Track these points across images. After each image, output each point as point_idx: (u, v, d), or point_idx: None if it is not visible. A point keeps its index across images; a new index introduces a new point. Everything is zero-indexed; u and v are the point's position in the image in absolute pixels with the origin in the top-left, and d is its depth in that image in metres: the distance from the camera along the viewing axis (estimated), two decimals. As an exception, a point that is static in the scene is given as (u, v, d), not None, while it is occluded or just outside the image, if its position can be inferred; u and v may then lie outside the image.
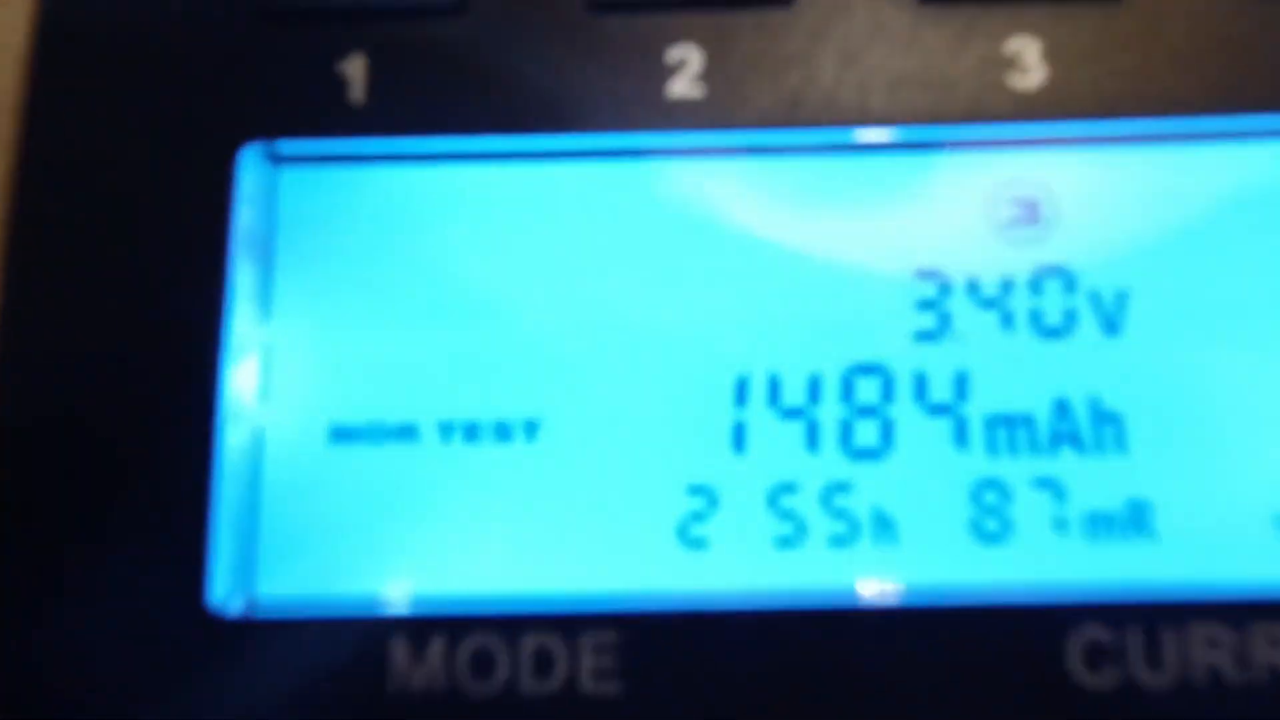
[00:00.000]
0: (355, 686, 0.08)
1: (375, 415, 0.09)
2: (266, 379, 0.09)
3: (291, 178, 0.09)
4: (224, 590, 0.08)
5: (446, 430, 0.09)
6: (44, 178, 0.08)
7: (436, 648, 0.08)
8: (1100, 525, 0.08)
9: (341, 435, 0.09)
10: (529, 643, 0.08)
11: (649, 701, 0.08)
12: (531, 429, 0.09)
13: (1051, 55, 0.09)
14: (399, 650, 0.08)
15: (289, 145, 0.09)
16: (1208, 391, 0.09)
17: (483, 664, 0.08)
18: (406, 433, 0.09)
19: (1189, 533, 0.08)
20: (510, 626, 0.08)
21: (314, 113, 0.09)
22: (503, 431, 0.09)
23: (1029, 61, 0.09)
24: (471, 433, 0.09)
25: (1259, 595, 0.08)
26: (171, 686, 0.08)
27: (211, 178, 0.08)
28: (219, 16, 0.09)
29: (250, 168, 0.09)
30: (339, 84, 0.09)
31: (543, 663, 0.08)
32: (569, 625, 0.08)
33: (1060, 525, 0.08)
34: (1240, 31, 0.09)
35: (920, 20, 0.09)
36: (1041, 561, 0.08)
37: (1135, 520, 0.08)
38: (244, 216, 0.09)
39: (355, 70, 0.09)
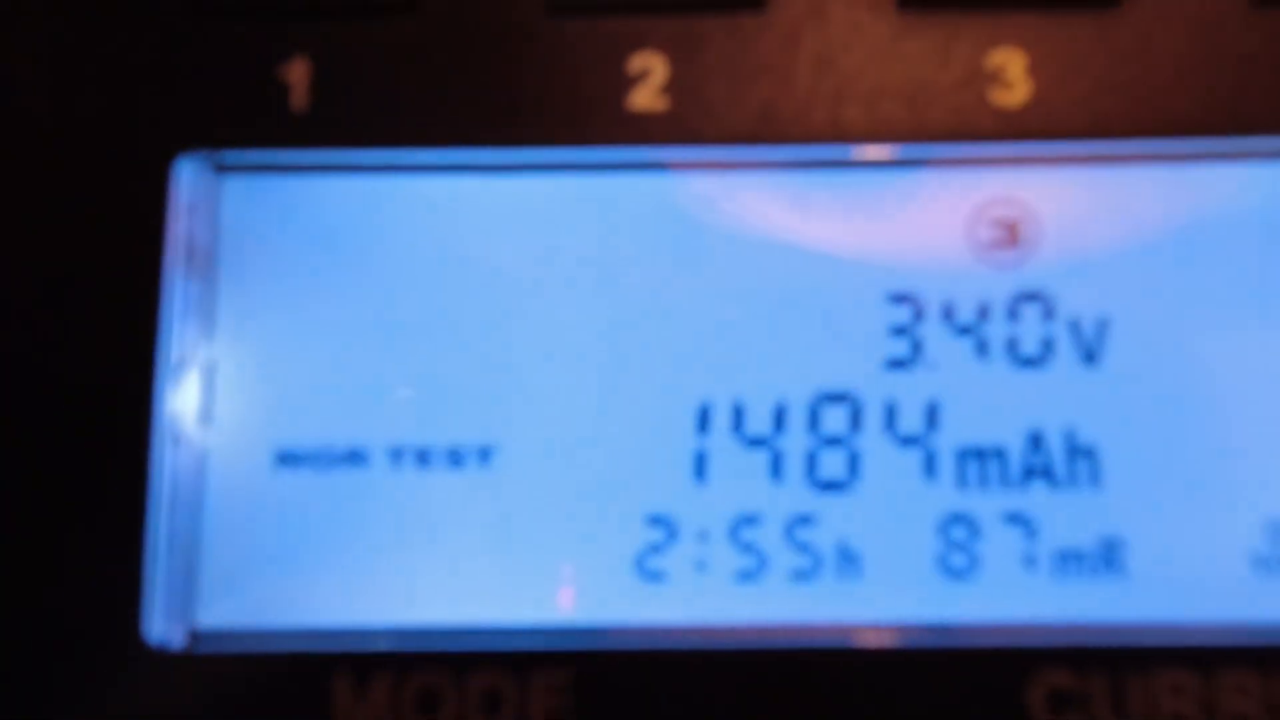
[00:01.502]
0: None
1: (323, 439, 0.08)
2: (208, 399, 0.08)
3: (233, 187, 0.09)
4: (162, 622, 0.08)
5: (397, 455, 0.08)
6: None
7: (381, 686, 0.08)
8: (1070, 563, 0.08)
9: (287, 459, 0.08)
10: (477, 681, 0.08)
11: None
12: (485, 455, 0.08)
13: (1037, 69, 0.08)
14: (342, 687, 0.08)
15: (229, 155, 0.08)
16: (1187, 425, 0.08)
17: (429, 703, 0.08)
18: (356, 458, 0.08)
19: (1162, 572, 0.08)
20: (458, 664, 0.08)
21: (254, 120, 0.08)
22: (455, 457, 0.08)
23: (1013, 76, 0.08)
24: (423, 458, 0.08)
25: (1230, 640, 0.08)
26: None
27: (147, 187, 0.08)
28: (151, 12, 0.08)
29: (188, 177, 0.08)
30: (281, 90, 0.08)
31: (491, 703, 0.08)
32: (520, 663, 0.08)
33: (1029, 562, 0.08)
34: (1242, 44, 0.08)
35: (899, 29, 0.08)
36: (1008, 600, 0.08)
37: (1107, 558, 0.08)
38: (182, 228, 0.08)
39: (298, 75, 0.08)
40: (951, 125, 0.08)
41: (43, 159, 0.08)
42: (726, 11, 0.08)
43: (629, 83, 0.08)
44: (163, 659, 0.08)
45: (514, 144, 0.08)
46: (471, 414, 0.08)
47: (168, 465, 0.08)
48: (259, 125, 0.08)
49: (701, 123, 0.08)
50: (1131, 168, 0.08)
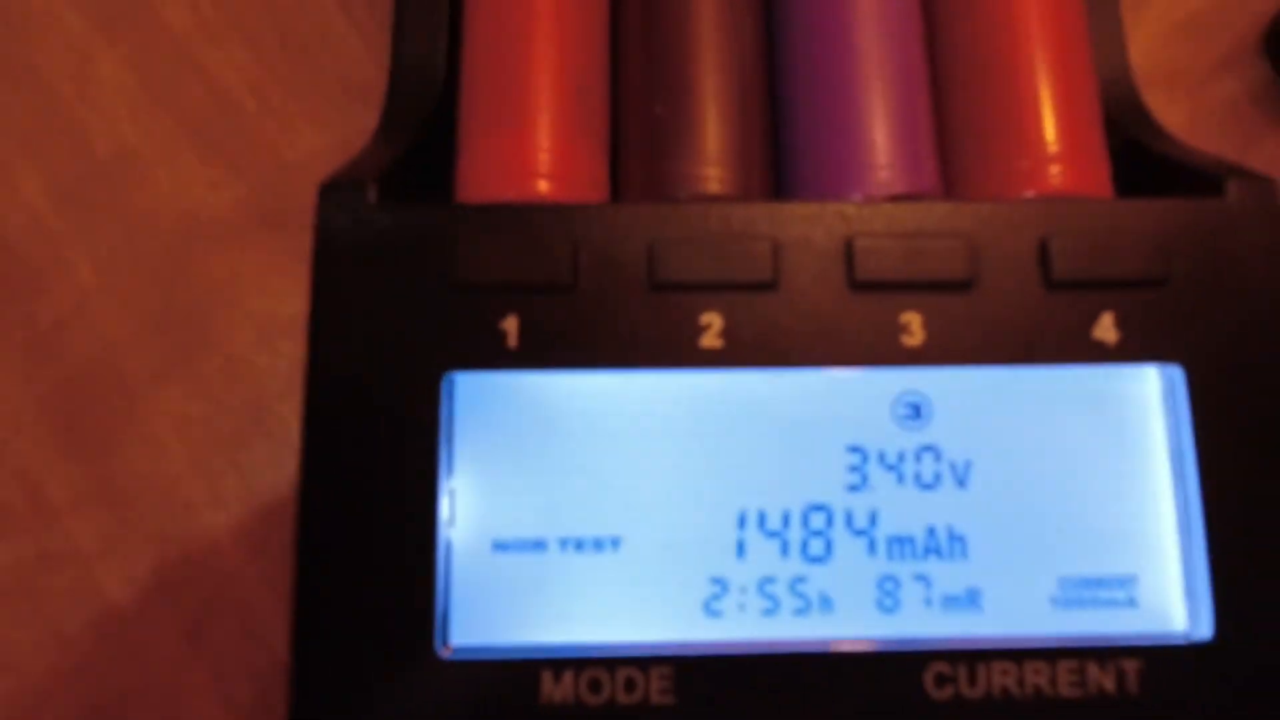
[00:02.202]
0: (519, 700, 0.13)
1: (519, 534, 0.13)
2: (452, 511, 0.14)
3: (467, 386, 0.14)
4: (440, 640, 0.14)
5: (564, 543, 0.13)
6: (327, 400, 0.14)
7: (568, 676, 0.13)
8: (951, 603, 0.13)
9: (499, 546, 0.13)
10: (621, 673, 0.13)
11: (693, 709, 0.13)
12: (615, 543, 0.13)
13: (929, 324, 0.14)
14: (546, 678, 0.13)
15: (468, 372, 0.14)
16: (1017, 521, 0.14)
17: (595, 686, 0.13)
18: (539, 545, 0.13)
19: (1001, 608, 0.13)
20: (610, 664, 0.13)
21: (484, 354, 0.13)
22: (598, 544, 0.13)
23: (915, 328, 0.14)
24: (579, 545, 0.13)
25: (1035, 644, 0.14)
26: (409, 700, 0.13)
27: (427, 394, 0.14)
28: (432, 293, 0.14)
29: (446, 386, 0.14)
30: (500, 335, 0.14)
31: (630, 685, 0.13)
32: (644, 663, 0.13)
33: (928, 603, 0.13)
34: (1046, 310, 0.14)
35: (852, 298, 0.14)
36: (915, 625, 0.13)
37: (970, 600, 0.13)
38: (442, 415, 0.14)
39: (511, 325, 0.14)
40: (877, 355, 0.13)
41: (364, 376, 0.14)
42: (756, 291, 0.14)
43: (700, 330, 0.14)
44: (439, 664, 0.13)
45: (636, 366, 0.14)
46: (608, 518, 0.13)
47: (439, 548, 0.14)
48: (486, 357, 0.13)
49: (743, 355, 0.14)
50: (986, 372, 0.15)
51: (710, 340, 0.14)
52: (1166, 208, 0.14)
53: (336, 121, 0.22)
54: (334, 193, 0.14)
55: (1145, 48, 0.23)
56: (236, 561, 0.20)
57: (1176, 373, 0.14)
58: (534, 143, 0.15)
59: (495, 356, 0.14)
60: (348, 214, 0.14)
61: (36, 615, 0.19)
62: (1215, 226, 0.14)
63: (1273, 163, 0.21)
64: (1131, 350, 0.14)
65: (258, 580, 0.19)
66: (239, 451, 0.20)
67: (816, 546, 0.14)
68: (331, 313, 0.14)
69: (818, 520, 0.14)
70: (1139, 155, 0.16)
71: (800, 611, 0.13)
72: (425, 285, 0.14)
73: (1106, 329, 0.14)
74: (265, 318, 0.21)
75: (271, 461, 0.20)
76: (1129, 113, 0.17)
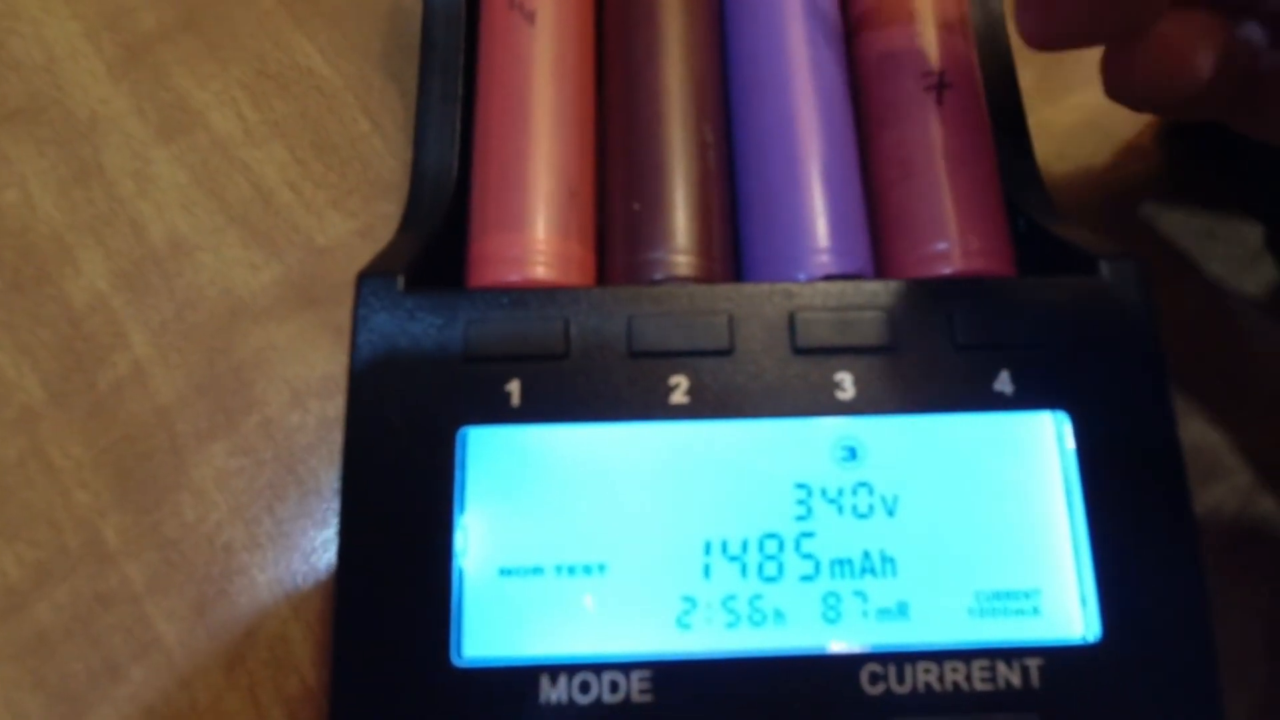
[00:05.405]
0: (521, 701, 0.16)
1: (521, 561, 0.16)
2: (464, 541, 0.17)
3: (476, 436, 0.17)
4: (455, 652, 0.16)
5: (559, 569, 0.16)
6: (363, 450, 0.16)
7: (562, 680, 0.16)
8: (883, 614, 0.16)
9: (504, 572, 0.16)
10: (606, 677, 0.16)
11: (668, 706, 0.16)
12: (602, 568, 0.16)
13: (859, 382, 0.17)
14: (544, 682, 0.16)
15: (479, 427, 0.17)
16: (939, 545, 0.17)
17: (584, 688, 0.16)
18: (538, 571, 0.16)
19: (926, 618, 0.16)
20: (597, 669, 0.15)
21: (492, 411, 0.16)
22: (587, 570, 0.16)
23: (847, 385, 0.17)
24: (571, 570, 0.16)
25: (954, 648, 0.16)
26: (430, 703, 0.16)
27: (445, 445, 0.17)
28: (449, 362, 0.17)
29: (459, 438, 0.17)
30: (506, 396, 0.17)
31: (614, 687, 0.16)
32: (626, 668, 0.16)
33: (865, 614, 0.15)
34: (955, 368, 0.17)
35: (795, 361, 0.17)
36: (854, 633, 0.15)
37: (900, 612, 0.16)
38: (456, 460, 0.17)
39: (514, 388, 0.17)
40: (817, 407, 0.16)
41: (393, 430, 0.17)
42: (714, 356, 0.17)
43: (670, 389, 0.17)
44: (455, 672, 0.16)
45: (618, 420, 0.17)
46: (595, 547, 0.16)
47: (455, 574, 0.17)
48: (494, 414, 0.16)
49: (706, 409, 0.17)
50: (908, 419, 0.17)
51: (679, 397, 0.16)
52: (1050, 284, 0.18)
53: (361, 211, 0.25)
54: (370, 280, 0.17)
55: (1060, 138, 0.26)
56: (270, 598, 0.22)
57: (1064, 418, 0.17)
58: (533, 237, 0.18)
59: (501, 414, 0.16)
60: (382, 298, 0.17)
61: (93, 649, 0.22)
62: (1091, 299, 0.17)
63: (1166, 237, 0.24)
64: (1026, 400, 0.17)
65: (289, 615, 0.22)
66: (273, 499, 0.23)
67: (770, 569, 0.16)
68: (367, 379, 0.17)
69: (771, 546, 0.16)
70: (1040, 235, 0.20)
71: (758, 624, 0.16)
72: (444, 355, 0.17)
73: (1005, 383, 0.17)
74: (297, 381, 0.24)
75: (302, 507, 0.23)
76: (1032, 200, 0.20)
